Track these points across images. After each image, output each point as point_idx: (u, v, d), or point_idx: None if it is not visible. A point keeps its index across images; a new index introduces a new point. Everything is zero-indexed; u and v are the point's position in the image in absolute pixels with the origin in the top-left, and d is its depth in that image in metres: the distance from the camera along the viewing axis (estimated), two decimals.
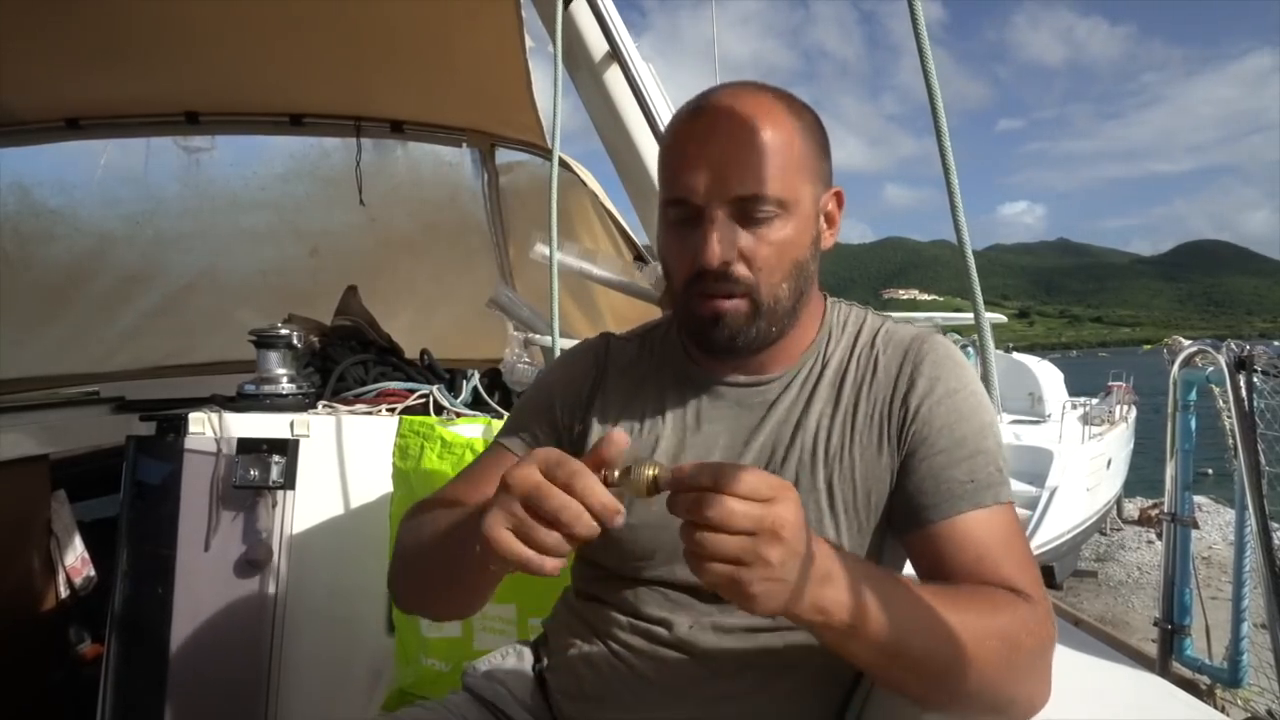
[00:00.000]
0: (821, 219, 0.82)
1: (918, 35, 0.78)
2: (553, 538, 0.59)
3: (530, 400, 0.98)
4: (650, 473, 0.60)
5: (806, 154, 0.78)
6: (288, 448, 1.62)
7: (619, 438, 0.62)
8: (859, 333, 0.88)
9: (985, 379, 0.91)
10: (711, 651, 0.80)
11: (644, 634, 0.83)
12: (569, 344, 1.10)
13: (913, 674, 0.66)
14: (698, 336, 0.83)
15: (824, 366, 0.86)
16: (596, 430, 0.89)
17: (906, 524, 0.78)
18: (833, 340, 0.87)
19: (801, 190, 0.78)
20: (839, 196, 0.84)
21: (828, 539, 0.75)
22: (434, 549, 0.80)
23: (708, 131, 0.76)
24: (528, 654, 0.99)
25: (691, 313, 0.80)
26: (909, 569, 0.82)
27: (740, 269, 0.76)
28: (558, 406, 0.93)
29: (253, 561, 1.60)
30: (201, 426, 1.61)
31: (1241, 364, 2.41)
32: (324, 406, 1.71)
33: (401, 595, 0.88)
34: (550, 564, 0.60)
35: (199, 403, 1.73)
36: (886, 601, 0.63)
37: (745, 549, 0.56)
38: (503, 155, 2.83)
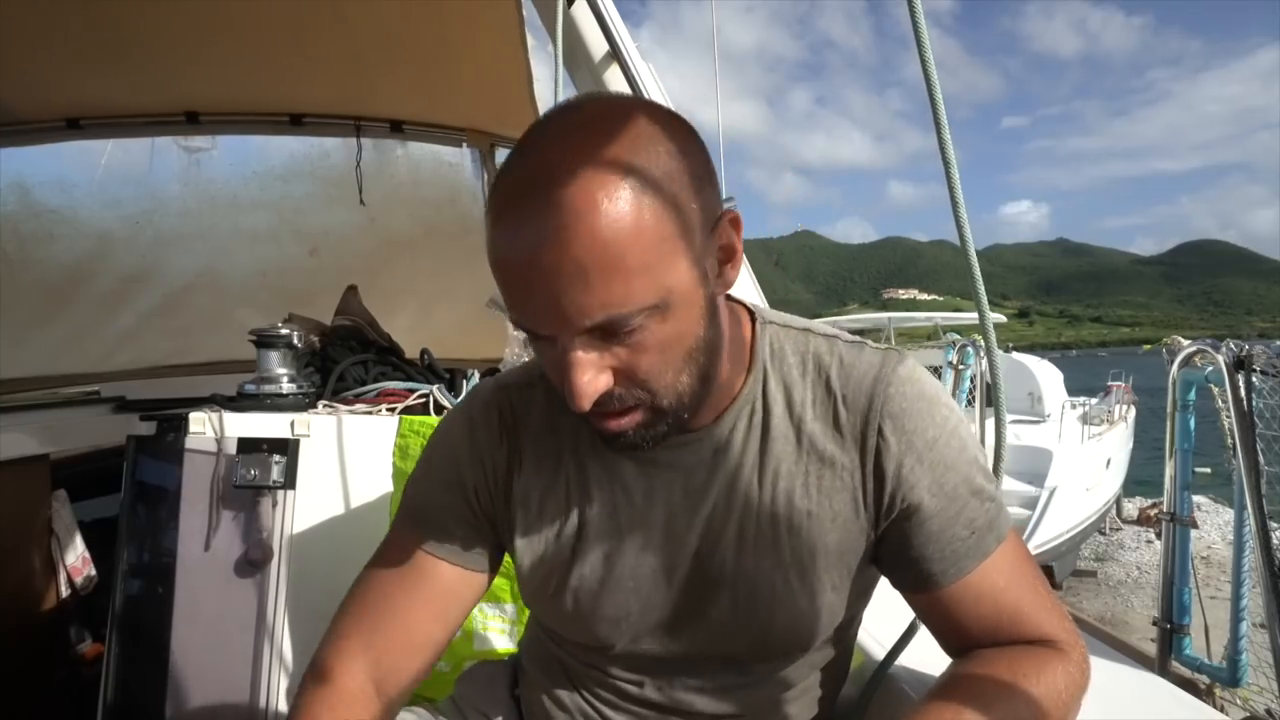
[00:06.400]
0: (712, 265, 0.64)
1: (915, 24, 0.76)
2: None
3: (438, 478, 0.82)
4: None
5: (665, 222, 0.58)
6: (288, 447, 1.62)
7: None
8: (804, 363, 0.75)
9: (991, 379, 0.88)
10: (683, 705, 0.79)
11: (616, 691, 0.81)
12: None
13: None
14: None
15: (767, 409, 0.73)
16: (521, 523, 0.78)
17: (914, 587, 0.74)
18: (771, 376, 0.74)
19: (672, 272, 0.59)
20: (735, 222, 0.65)
21: (799, 611, 0.72)
22: None
23: (530, 255, 0.57)
24: (504, 676, 0.96)
25: (587, 422, 0.68)
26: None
27: (622, 390, 0.63)
28: (471, 490, 0.79)
29: (253, 561, 1.60)
30: (202, 426, 1.61)
31: (1240, 364, 2.42)
32: (324, 406, 1.71)
33: None
34: None
35: (199, 402, 1.73)
36: None
37: None
38: (503, 155, 2.83)
